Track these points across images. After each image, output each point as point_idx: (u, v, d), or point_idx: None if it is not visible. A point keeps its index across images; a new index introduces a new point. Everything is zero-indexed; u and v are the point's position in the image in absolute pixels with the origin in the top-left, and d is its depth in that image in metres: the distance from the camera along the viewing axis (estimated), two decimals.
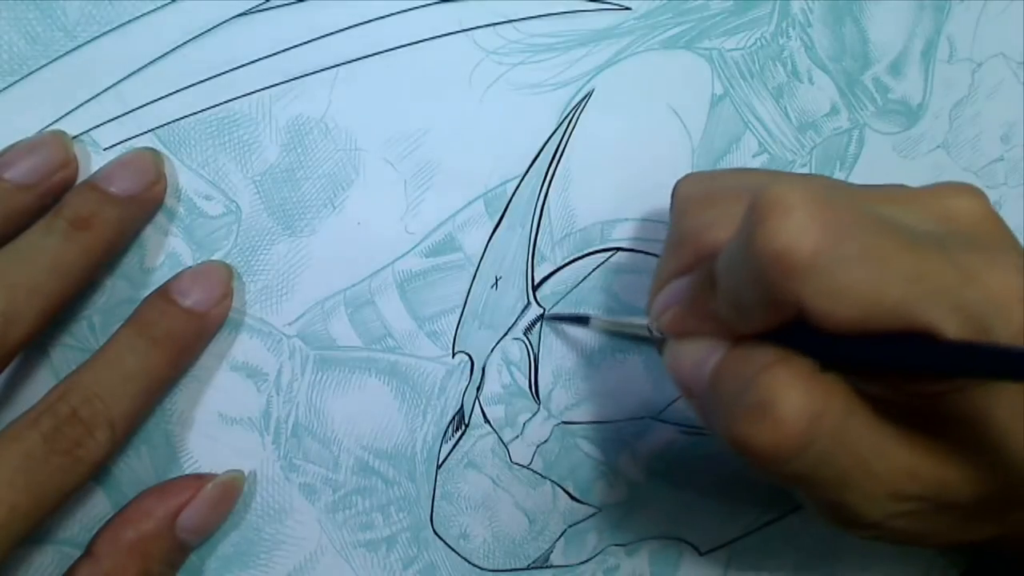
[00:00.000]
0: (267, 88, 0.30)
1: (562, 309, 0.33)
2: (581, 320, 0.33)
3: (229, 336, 0.31)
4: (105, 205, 0.28)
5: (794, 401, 0.22)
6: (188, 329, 0.29)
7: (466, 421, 0.33)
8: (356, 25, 0.31)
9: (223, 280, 0.30)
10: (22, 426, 0.26)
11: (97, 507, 0.30)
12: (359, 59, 0.31)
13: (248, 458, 0.31)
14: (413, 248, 0.32)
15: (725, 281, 0.24)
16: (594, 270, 0.33)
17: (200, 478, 0.30)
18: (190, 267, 0.30)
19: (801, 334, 0.23)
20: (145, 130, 0.30)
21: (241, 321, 0.31)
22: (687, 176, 0.29)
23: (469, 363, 0.33)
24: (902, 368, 0.23)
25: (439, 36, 0.31)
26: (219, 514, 0.30)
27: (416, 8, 0.31)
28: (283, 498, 0.32)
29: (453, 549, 0.33)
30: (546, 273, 0.33)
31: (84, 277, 0.28)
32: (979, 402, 0.23)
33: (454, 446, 0.33)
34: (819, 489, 0.24)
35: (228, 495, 0.31)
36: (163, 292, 0.30)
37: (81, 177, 0.29)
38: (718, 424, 0.24)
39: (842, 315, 0.22)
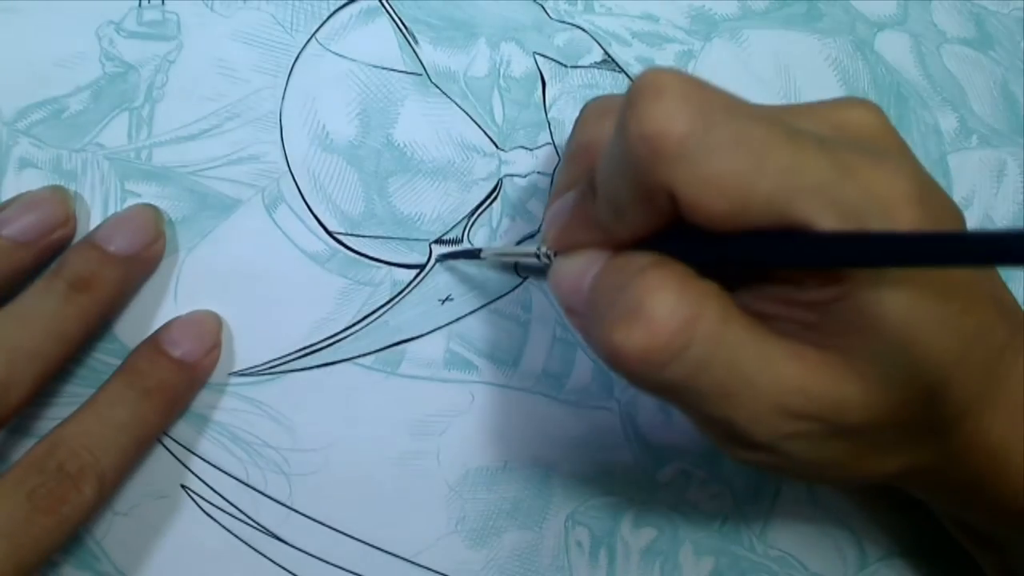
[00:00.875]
0: None
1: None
2: (472, 254, 0.31)
3: None
4: (105, 265, 0.28)
5: (667, 301, 0.22)
6: (179, 380, 0.29)
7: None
8: None
9: (213, 330, 0.30)
10: (7, 484, 0.26)
11: None
12: None
13: None
14: None
15: (603, 177, 0.23)
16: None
17: None
18: (179, 317, 0.30)
19: (678, 241, 0.23)
20: None
21: None
22: (595, 98, 0.28)
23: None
24: (779, 264, 0.22)
25: None
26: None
27: None
28: None
29: None
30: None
31: (82, 339, 0.28)
32: (869, 307, 0.22)
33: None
34: (700, 403, 0.23)
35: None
36: (153, 342, 0.29)
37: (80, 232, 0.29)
38: (595, 338, 0.23)
39: (713, 207, 0.21)
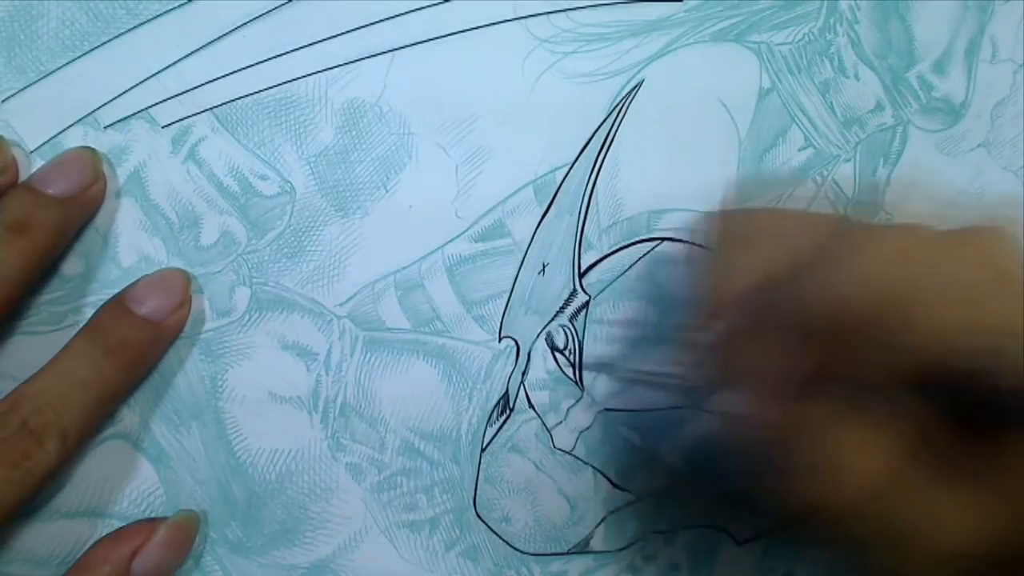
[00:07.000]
0: (324, 71, 0.31)
1: (607, 297, 0.33)
2: (607, 368, 0.33)
3: (281, 316, 0.31)
4: (42, 208, 0.28)
5: (862, 464, 0.23)
6: (143, 338, 0.29)
7: (511, 406, 0.33)
8: (412, 11, 0.31)
9: (180, 288, 0.30)
10: None
11: (147, 482, 0.31)
12: (414, 44, 0.31)
13: (296, 436, 0.32)
14: (463, 232, 0.32)
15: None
16: (640, 259, 0.34)
17: (152, 522, 0.30)
18: (147, 275, 0.30)
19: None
20: (203, 109, 0.30)
21: (293, 301, 0.31)
22: (723, 212, 0.29)
23: (515, 348, 0.33)
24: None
25: (493, 24, 0.32)
26: (176, 555, 0.30)
27: None
28: (329, 477, 0.32)
29: (495, 532, 0.33)
30: (593, 260, 0.33)
31: (22, 282, 0.28)
32: None
33: (498, 430, 0.33)
34: (878, 551, 0.23)
35: (182, 536, 0.30)
36: (118, 300, 0.29)
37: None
38: (778, 473, 0.24)
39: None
